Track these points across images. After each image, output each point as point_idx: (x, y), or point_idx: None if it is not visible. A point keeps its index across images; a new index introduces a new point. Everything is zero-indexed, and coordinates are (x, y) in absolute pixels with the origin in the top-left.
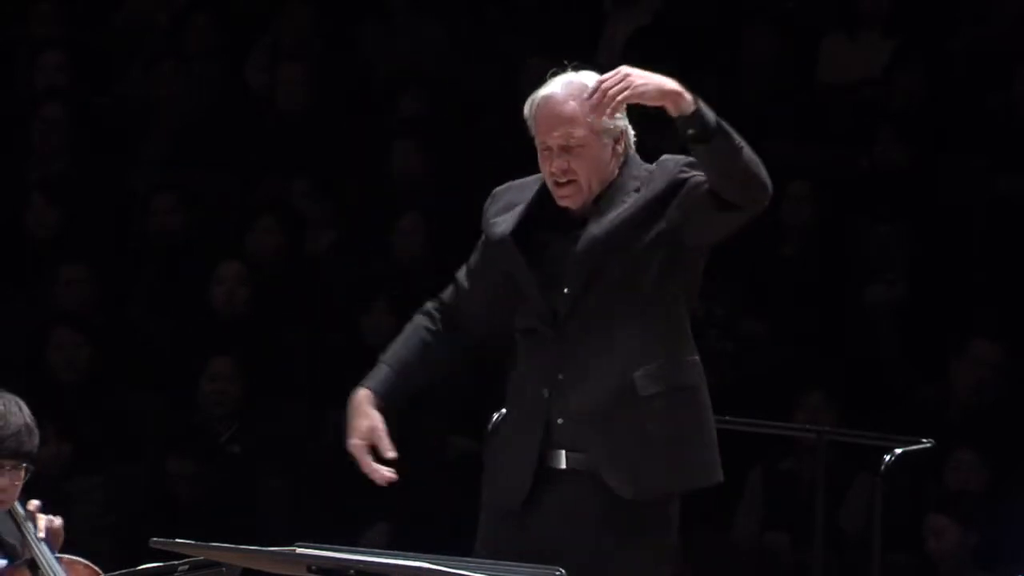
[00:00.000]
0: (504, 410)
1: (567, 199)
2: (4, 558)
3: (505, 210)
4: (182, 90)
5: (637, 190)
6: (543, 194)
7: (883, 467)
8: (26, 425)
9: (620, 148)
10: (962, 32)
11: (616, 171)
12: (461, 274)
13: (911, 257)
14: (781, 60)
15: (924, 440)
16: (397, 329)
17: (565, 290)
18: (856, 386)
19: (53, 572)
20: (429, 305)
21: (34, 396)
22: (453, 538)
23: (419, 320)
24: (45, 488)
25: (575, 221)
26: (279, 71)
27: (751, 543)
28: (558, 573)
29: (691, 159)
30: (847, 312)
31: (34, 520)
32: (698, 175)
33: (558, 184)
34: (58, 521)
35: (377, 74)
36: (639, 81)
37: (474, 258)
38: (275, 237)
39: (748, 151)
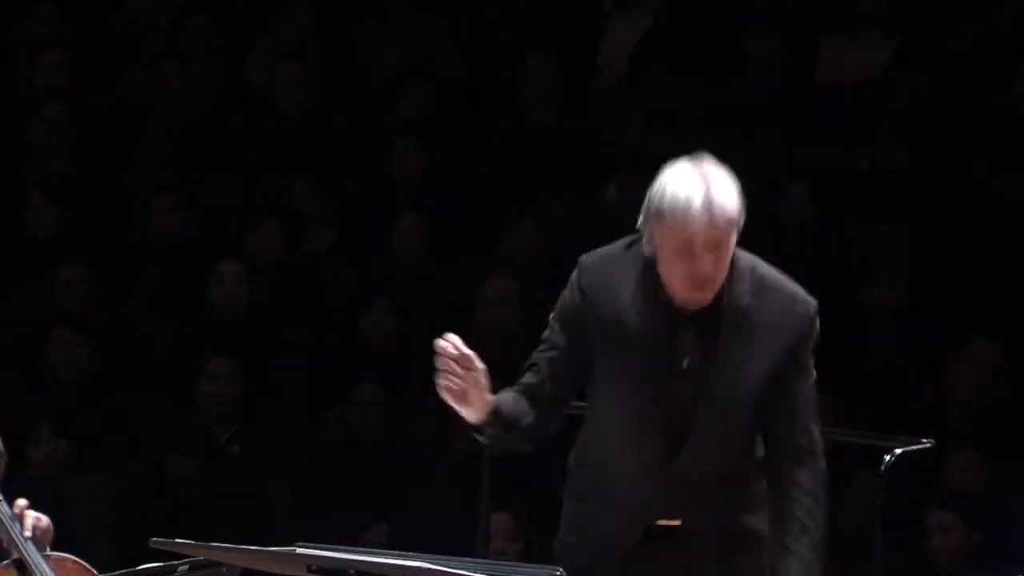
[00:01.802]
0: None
1: (696, 304)
2: None
3: (610, 283)
4: (182, 90)
5: (748, 305)
6: (647, 279)
7: (883, 467)
8: None
9: (735, 241)
10: (962, 32)
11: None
12: (542, 356)
13: (911, 257)
14: (781, 60)
15: (924, 440)
16: (397, 329)
17: (685, 411)
18: (856, 386)
19: (40, 571)
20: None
21: (34, 396)
22: (453, 538)
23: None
24: (45, 488)
25: (695, 318)
26: (279, 71)
27: None
28: (558, 573)
29: (816, 307)
30: (847, 312)
31: (22, 520)
32: (802, 377)
33: (695, 287)
34: (45, 520)
35: (377, 74)
36: None
37: (558, 334)
38: (275, 237)
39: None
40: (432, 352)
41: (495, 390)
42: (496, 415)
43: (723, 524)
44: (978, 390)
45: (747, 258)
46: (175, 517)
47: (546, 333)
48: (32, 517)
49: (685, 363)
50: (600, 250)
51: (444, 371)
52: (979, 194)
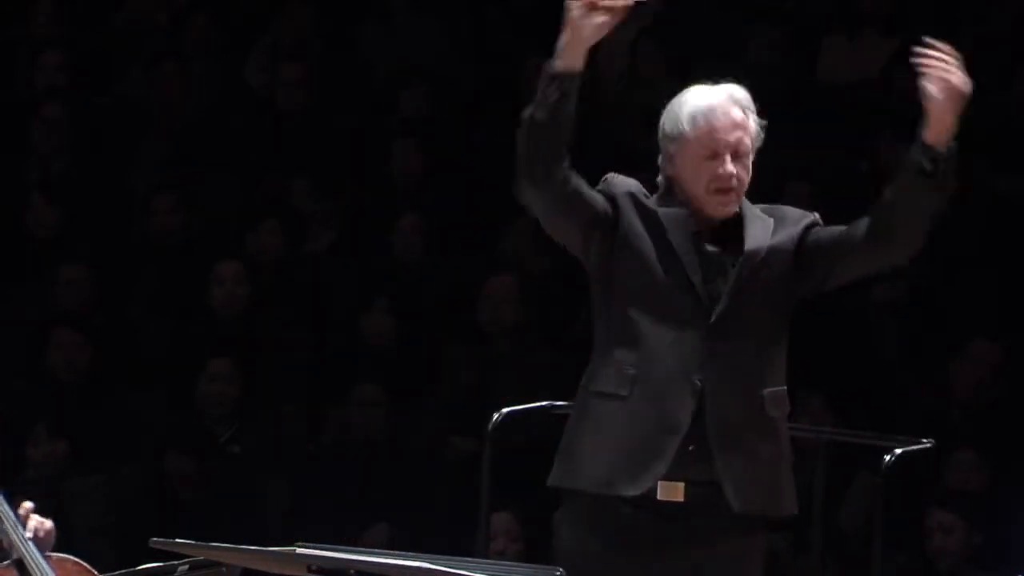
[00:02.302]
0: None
1: (725, 206)
2: None
3: (635, 203)
4: (182, 90)
5: (763, 211)
6: (669, 213)
7: (883, 467)
8: None
9: (752, 161)
10: (962, 32)
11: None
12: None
13: (910, 257)
14: (781, 60)
15: (924, 440)
16: (397, 329)
17: (719, 290)
18: (856, 386)
19: (41, 571)
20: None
21: (34, 396)
22: (453, 538)
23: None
24: (44, 488)
25: (721, 229)
26: (279, 71)
27: None
28: (558, 573)
29: (815, 218)
30: (847, 312)
31: (25, 522)
32: (823, 230)
33: (722, 191)
34: (49, 523)
35: (377, 74)
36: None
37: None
38: (275, 237)
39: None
40: (432, 353)
41: (502, 387)
42: (579, 81)
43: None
44: (978, 390)
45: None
46: (175, 517)
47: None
48: (35, 520)
49: (714, 249)
50: (620, 176)
51: None
52: (979, 194)
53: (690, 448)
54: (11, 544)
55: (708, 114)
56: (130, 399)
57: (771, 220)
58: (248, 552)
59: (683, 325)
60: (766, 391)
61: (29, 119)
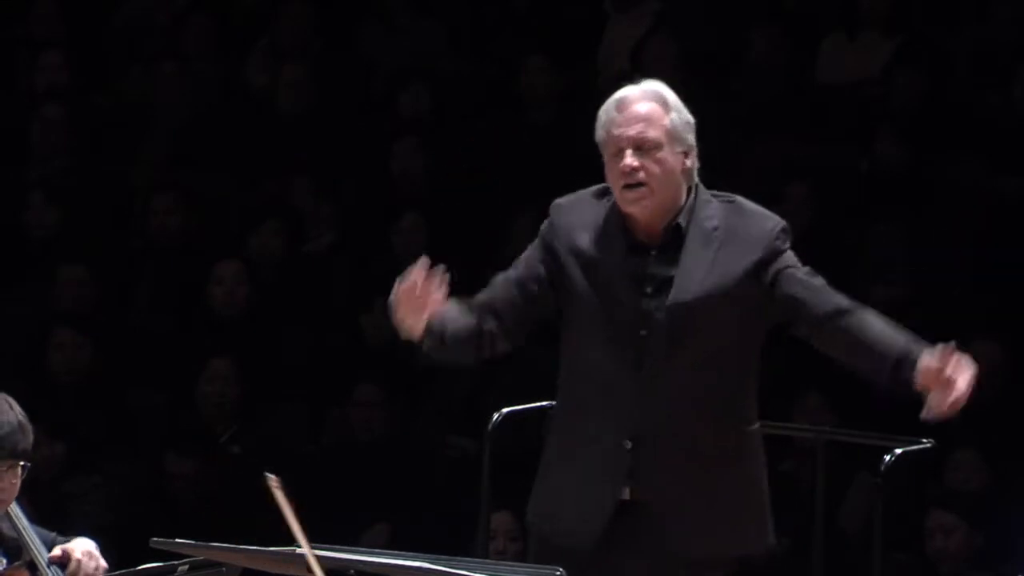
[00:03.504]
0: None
1: (635, 203)
2: (4, 555)
3: (580, 223)
4: (182, 90)
5: (715, 229)
6: (615, 218)
7: (883, 467)
8: (19, 423)
9: (688, 164)
10: (962, 32)
11: (685, 195)
12: (500, 278)
13: (911, 257)
14: (781, 60)
15: (924, 440)
16: (397, 329)
17: (649, 341)
18: (856, 386)
19: (51, 573)
20: (475, 304)
21: (34, 396)
22: (453, 538)
23: (472, 319)
24: (44, 489)
25: (659, 247)
26: (279, 71)
27: None
28: (558, 573)
29: (784, 224)
30: None
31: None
32: (793, 267)
33: (627, 187)
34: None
35: (377, 74)
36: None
37: (527, 263)
38: (275, 237)
39: None
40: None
41: (502, 387)
42: (430, 329)
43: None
44: (978, 390)
45: (709, 191)
46: (175, 517)
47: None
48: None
49: (648, 289)
50: (573, 194)
51: (406, 285)
52: (979, 194)
53: (625, 498)
54: (24, 547)
55: (609, 111)
56: (130, 399)
57: (717, 238)
58: (248, 552)
59: (616, 375)
60: (713, 433)
61: (29, 119)
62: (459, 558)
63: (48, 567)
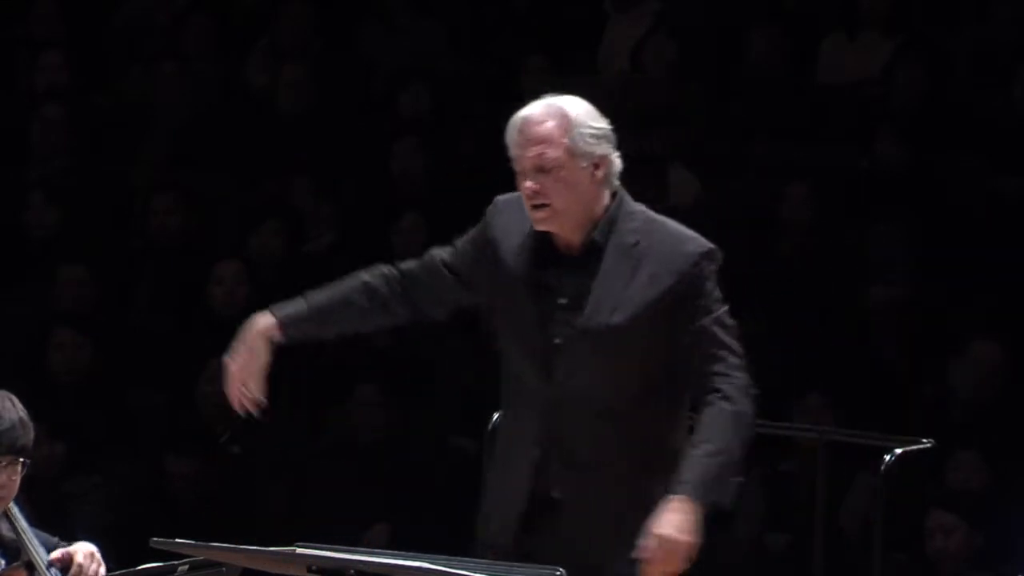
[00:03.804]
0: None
1: (542, 223)
2: (3, 556)
3: (511, 227)
4: (182, 90)
5: (636, 244)
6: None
7: (883, 467)
8: (20, 420)
9: (600, 175)
10: (962, 32)
11: (605, 206)
12: (439, 253)
13: (911, 257)
14: (781, 60)
15: (924, 440)
16: (398, 328)
17: (562, 352)
18: (856, 386)
19: (50, 574)
20: (386, 268)
21: (34, 396)
22: (453, 538)
23: (364, 276)
24: (44, 489)
25: (576, 260)
26: (279, 71)
27: (751, 543)
28: (558, 573)
29: (707, 249)
30: (847, 312)
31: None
32: (706, 319)
33: (533, 207)
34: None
35: (377, 74)
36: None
37: (463, 249)
38: (275, 237)
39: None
40: (432, 353)
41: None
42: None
43: (614, 470)
44: (978, 390)
45: (637, 204)
46: (175, 517)
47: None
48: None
49: (562, 301)
50: (512, 194)
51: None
52: (979, 194)
53: (534, 524)
54: (22, 548)
55: (512, 131)
56: (130, 399)
57: (636, 254)
58: (248, 552)
59: (532, 382)
60: (617, 448)
61: (29, 119)
62: (459, 558)
63: (47, 568)
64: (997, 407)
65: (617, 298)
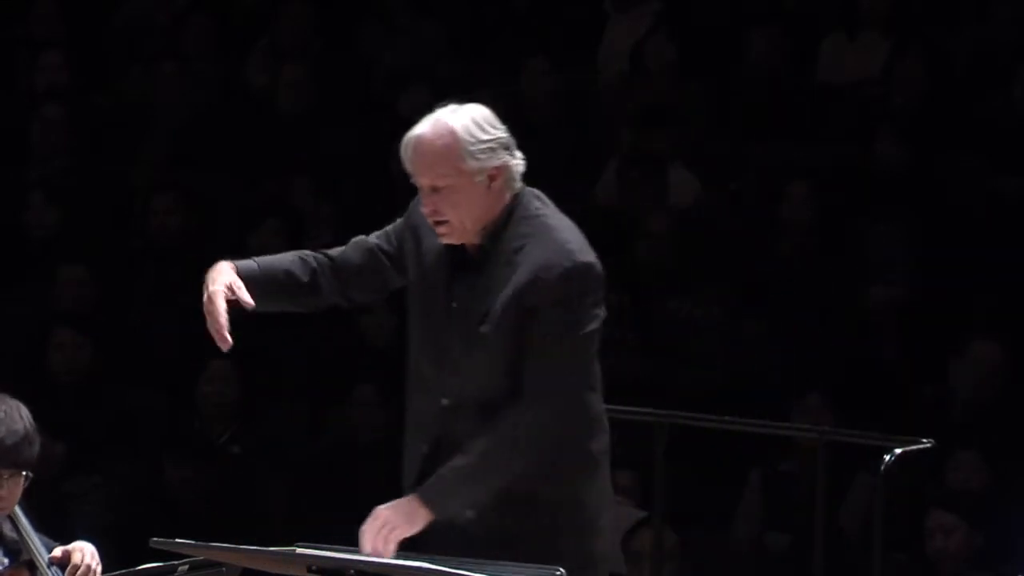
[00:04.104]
0: None
1: (444, 238)
2: (6, 556)
3: (423, 227)
4: (182, 90)
5: (518, 251)
6: None
7: (883, 467)
8: (27, 433)
9: (497, 185)
10: (962, 32)
11: (502, 208)
12: (369, 239)
13: (911, 257)
14: (781, 60)
15: (924, 440)
16: (398, 328)
17: (450, 352)
18: (856, 386)
19: (51, 573)
20: (313, 252)
21: (34, 396)
22: None
23: (300, 253)
24: (44, 489)
25: (470, 264)
26: (279, 71)
27: (751, 543)
28: (558, 573)
29: (572, 265)
30: (847, 312)
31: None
32: (539, 343)
33: (434, 223)
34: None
35: (377, 74)
36: (397, 531)
37: (392, 235)
38: (275, 237)
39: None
40: None
41: None
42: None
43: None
44: (978, 390)
45: (538, 207)
46: (175, 517)
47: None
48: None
49: (454, 305)
50: None
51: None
52: (978, 194)
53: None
54: (24, 548)
55: (404, 153)
56: (130, 399)
57: (516, 261)
58: (248, 552)
59: (426, 384)
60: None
61: (29, 119)
62: (459, 558)
63: (48, 567)
64: (997, 407)
65: (490, 306)
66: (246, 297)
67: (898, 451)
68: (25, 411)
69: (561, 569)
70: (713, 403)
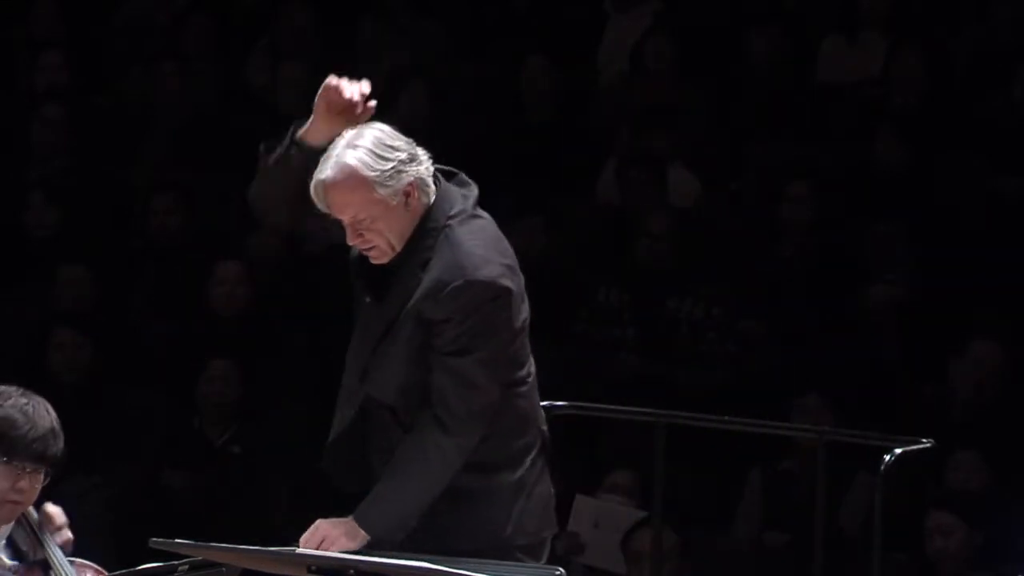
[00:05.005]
0: None
1: (376, 260)
2: (13, 559)
3: None
4: (182, 90)
5: (425, 264)
6: None
7: (883, 467)
8: (52, 429)
9: (413, 199)
10: (962, 32)
11: (418, 217)
12: None
13: (911, 257)
14: (781, 60)
15: (924, 440)
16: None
17: (371, 359)
18: (856, 386)
19: (66, 573)
20: None
21: None
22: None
23: None
24: (43, 488)
25: (387, 274)
26: (279, 71)
27: (751, 543)
28: (558, 573)
29: (468, 280)
30: (847, 312)
31: (48, 527)
32: (440, 353)
33: (363, 251)
34: (69, 535)
35: (377, 74)
36: (335, 547)
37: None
38: (275, 237)
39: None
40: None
41: None
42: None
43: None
44: (978, 390)
45: (447, 214)
46: (175, 517)
47: None
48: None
49: (374, 312)
50: None
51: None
52: (978, 194)
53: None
54: (35, 545)
55: (316, 195)
56: (130, 399)
57: (422, 275)
58: (248, 552)
59: (349, 388)
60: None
61: (29, 119)
62: (459, 558)
63: (62, 567)
64: (997, 407)
65: (396, 319)
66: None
67: (898, 451)
68: (51, 409)
69: (561, 569)
70: (713, 403)
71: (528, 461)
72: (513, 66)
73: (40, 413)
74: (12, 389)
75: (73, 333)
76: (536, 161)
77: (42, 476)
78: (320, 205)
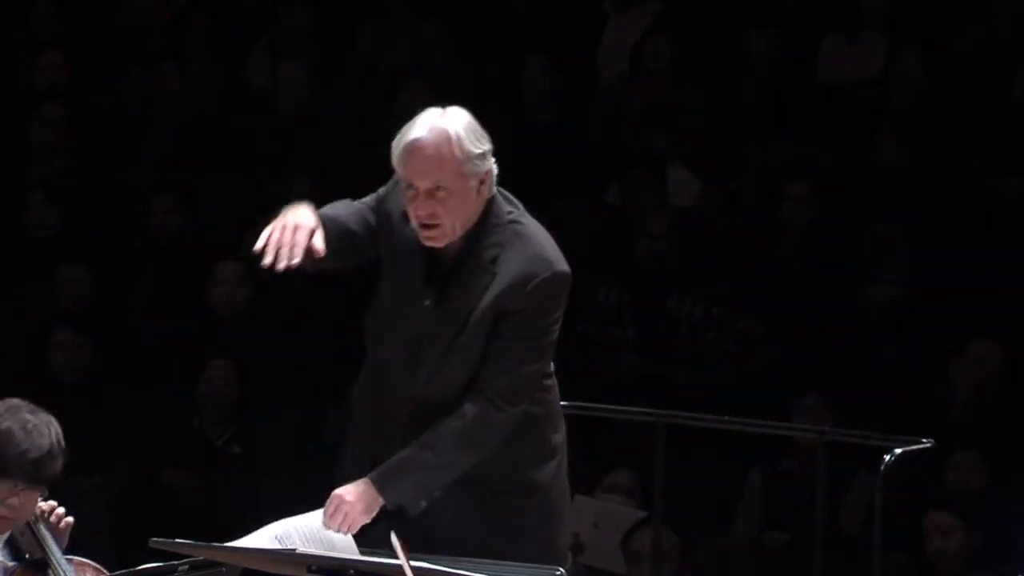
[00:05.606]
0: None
1: (431, 241)
2: (12, 559)
3: (401, 216)
4: (182, 90)
5: (494, 260)
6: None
7: (883, 467)
8: (51, 449)
9: (484, 190)
10: (962, 32)
11: (480, 213)
12: (362, 203)
13: (911, 257)
14: (781, 60)
15: (924, 440)
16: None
17: (427, 353)
18: (856, 386)
19: (64, 573)
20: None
21: (34, 396)
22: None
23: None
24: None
25: (445, 266)
26: (279, 71)
27: (751, 543)
28: (558, 573)
29: (551, 274)
30: (847, 312)
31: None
32: (506, 341)
33: (423, 226)
34: (70, 518)
35: (377, 74)
36: (353, 515)
37: (372, 208)
38: None
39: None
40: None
41: None
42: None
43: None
44: (978, 390)
45: (509, 212)
46: (175, 517)
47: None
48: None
49: (427, 303)
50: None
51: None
52: (978, 194)
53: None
54: (34, 544)
55: (404, 155)
56: (130, 399)
57: (492, 270)
58: (248, 552)
59: (397, 382)
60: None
61: (29, 119)
62: (459, 558)
63: (59, 565)
64: (997, 407)
65: (467, 314)
66: (321, 246)
67: (898, 451)
68: (56, 427)
69: (561, 569)
70: (713, 403)
71: (566, 460)
72: (513, 66)
73: (41, 432)
74: (23, 404)
75: (73, 333)
76: (536, 161)
77: (37, 495)
78: (398, 166)
